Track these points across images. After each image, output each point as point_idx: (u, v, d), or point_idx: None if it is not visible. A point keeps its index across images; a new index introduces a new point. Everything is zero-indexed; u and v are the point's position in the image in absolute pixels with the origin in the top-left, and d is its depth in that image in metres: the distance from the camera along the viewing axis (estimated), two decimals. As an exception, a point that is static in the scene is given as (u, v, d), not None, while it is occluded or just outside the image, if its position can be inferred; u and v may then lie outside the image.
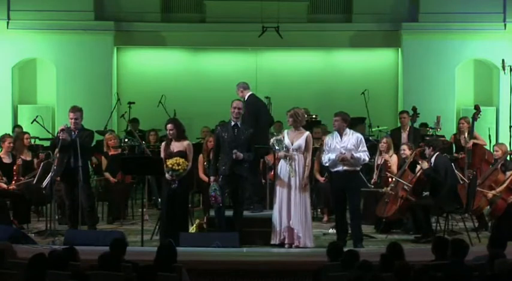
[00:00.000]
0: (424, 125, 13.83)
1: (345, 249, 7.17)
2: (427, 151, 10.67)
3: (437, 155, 10.57)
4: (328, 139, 10.07)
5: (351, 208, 10.01)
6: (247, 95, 10.84)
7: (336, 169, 9.91)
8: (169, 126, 10.00)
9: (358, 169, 9.97)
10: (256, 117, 10.61)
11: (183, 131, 10.19)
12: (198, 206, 12.10)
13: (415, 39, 16.10)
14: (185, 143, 9.99)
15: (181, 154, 9.85)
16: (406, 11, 16.53)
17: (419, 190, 10.60)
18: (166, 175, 9.78)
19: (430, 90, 15.96)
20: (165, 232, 9.76)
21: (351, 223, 10.04)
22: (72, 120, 10.47)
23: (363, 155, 9.86)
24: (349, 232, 10.21)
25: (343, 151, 9.79)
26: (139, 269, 6.30)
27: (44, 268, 6.27)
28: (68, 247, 7.18)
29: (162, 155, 10.01)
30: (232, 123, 9.97)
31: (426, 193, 10.68)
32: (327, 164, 10.01)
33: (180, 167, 9.67)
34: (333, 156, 9.86)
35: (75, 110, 10.55)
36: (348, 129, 10.00)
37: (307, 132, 10.07)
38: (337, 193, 10.02)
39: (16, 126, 14.45)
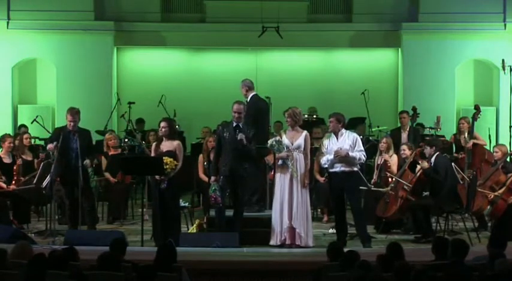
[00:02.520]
0: (421, 125, 13.82)
1: (345, 249, 7.18)
2: (427, 151, 10.66)
3: (437, 155, 10.57)
4: (325, 141, 10.08)
5: (353, 209, 10.03)
6: (250, 95, 10.79)
7: (333, 170, 9.92)
8: (163, 124, 10.00)
9: (356, 169, 9.96)
10: (255, 119, 10.58)
11: (175, 132, 10.27)
12: (198, 206, 12.10)
13: (415, 39, 16.10)
14: (175, 143, 9.98)
15: (171, 153, 9.84)
16: (406, 11, 16.53)
17: (419, 190, 10.59)
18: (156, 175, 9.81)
19: (430, 90, 15.95)
20: (158, 234, 9.78)
21: (356, 224, 10.04)
22: (71, 123, 10.47)
23: (359, 154, 9.87)
24: (349, 232, 10.24)
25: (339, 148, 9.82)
26: (139, 269, 6.30)
27: (44, 268, 6.27)
28: (68, 247, 7.18)
29: (152, 155, 10.03)
30: (234, 124, 9.96)
31: (426, 193, 10.68)
32: (326, 165, 10.01)
33: (167, 166, 9.66)
34: (331, 157, 9.87)
35: (74, 113, 10.52)
36: (344, 130, 10.01)
37: (305, 132, 10.07)
38: (336, 193, 10.03)
39: (22, 125, 14.42)
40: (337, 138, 9.96)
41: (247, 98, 10.73)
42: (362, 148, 9.98)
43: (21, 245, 7.13)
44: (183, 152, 10.18)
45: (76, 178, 10.20)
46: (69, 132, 10.40)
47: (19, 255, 6.86)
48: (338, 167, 9.87)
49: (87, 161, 10.36)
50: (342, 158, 9.80)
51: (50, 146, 10.37)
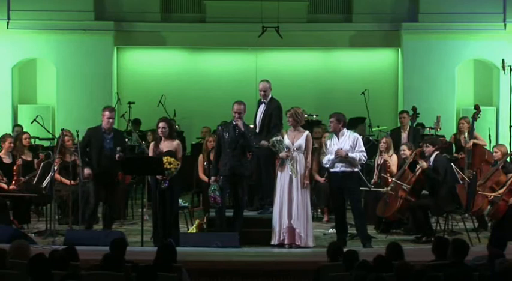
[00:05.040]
0: (421, 125, 13.82)
1: (345, 249, 7.18)
2: (426, 150, 10.66)
3: (436, 154, 10.57)
4: (327, 141, 10.09)
5: (353, 209, 10.03)
6: (270, 95, 10.73)
7: (334, 170, 9.93)
8: (162, 124, 9.98)
9: (356, 169, 9.96)
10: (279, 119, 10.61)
11: (175, 131, 10.30)
12: (198, 206, 12.10)
13: (415, 39, 16.10)
14: (175, 142, 10.00)
15: (171, 153, 9.84)
16: (406, 11, 16.53)
17: (418, 189, 10.58)
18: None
19: (430, 90, 15.96)
20: (158, 234, 9.79)
21: (356, 224, 10.04)
22: (110, 120, 10.40)
23: (359, 155, 9.87)
24: (349, 232, 10.24)
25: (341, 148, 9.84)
26: (139, 269, 6.30)
27: (47, 268, 6.26)
28: (68, 247, 7.18)
29: (150, 154, 10.04)
30: (234, 123, 9.96)
31: (425, 192, 10.67)
32: (327, 165, 10.01)
33: (171, 165, 9.66)
34: (331, 156, 9.88)
35: (111, 109, 10.54)
36: (345, 130, 10.01)
37: (307, 132, 10.07)
38: (336, 193, 10.04)
39: (16, 125, 14.43)
40: (338, 139, 9.96)
41: (267, 98, 10.62)
42: (363, 148, 9.97)
43: (17, 244, 7.11)
44: (182, 151, 10.20)
45: (108, 179, 10.22)
46: (103, 133, 10.34)
47: (15, 255, 6.85)
48: (338, 167, 9.88)
49: (121, 154, 10.17)
50: (342, 158, 9.80)
51: (87, 171, 10.24)
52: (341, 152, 9.78)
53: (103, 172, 10.25)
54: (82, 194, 10.40)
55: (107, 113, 10.40)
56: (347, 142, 9.90)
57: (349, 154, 9.80)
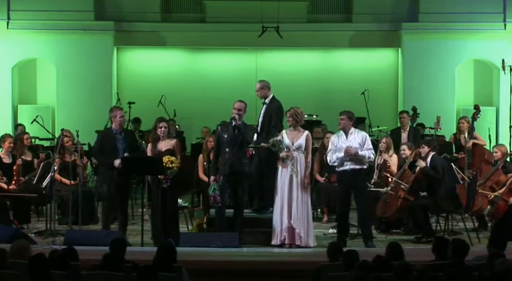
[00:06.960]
0: (421, 125, 13.82)
1: (345, 249, 7.18)
2: (422, 151, 10.67)
3: (433, 155, 10.59)
4: (334, 138, 10.09)
5: (360, 208, 10.01)
6: (270, 96, 10.66)
7: (343, 168, 9.92)
8: (163, 124, 10.05)
9: (365, 167, 9.98)
10: (281, 120, 10.59)
11: (170, 131, 10.41)
12: (198, 206, 12.10)
13: (415, 39, 16.10)
14: (173, 141, 10.07)
15: (170, 152, 9.88)
16: (406, 11, 16.53)
17: (417, 189, 10.58)
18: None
19: (430, 90, 15.95)
20: (158, 233, 9.80)
21: (360, 222, 10.04)
22: (123, 119, 10.43)
23: (368, 153, 9.90)
24: (349, 232, 10.24)
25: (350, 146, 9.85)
26: (139, 269, 6.31)
27: (47, 268, 6.26)
28: (68, 247, 7.19)
29: (149, 154, 10.05)
30: (233, 123, 9.96)
31: (424, 194, 10.68)
32: (335, 163, 9.99)
33: (173, 164, 9.70)
34: (340, 154, 9.87)
35: (121, 108, 10.59)
36: (353, 128, 10.04)
37: (307, 132, 10.07)
38: (344, 191, 10.02)
39: (19, 124, 14.42)
40: (346, 137, 9.96)
41: (266, 99, 10.57)
42: (371, 147, 10.00)
43: (17, 244, 7.12)
44: (180, 149, 10.25)
45: (125, 180, 10.21)
46: (115, 133, 10.31)
47: (16, 254, 6.86)
48: (348, 165, 9.89)
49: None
50: (352, 156, 9.81)
51: (117, 161, 10.12)
52: (351, 150, 9.80)
53: (120, 174, 10.21)
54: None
55: (119, 112, 10.35)
56: (356, 140, 9.92)
57: (359, 152, 9.81)
